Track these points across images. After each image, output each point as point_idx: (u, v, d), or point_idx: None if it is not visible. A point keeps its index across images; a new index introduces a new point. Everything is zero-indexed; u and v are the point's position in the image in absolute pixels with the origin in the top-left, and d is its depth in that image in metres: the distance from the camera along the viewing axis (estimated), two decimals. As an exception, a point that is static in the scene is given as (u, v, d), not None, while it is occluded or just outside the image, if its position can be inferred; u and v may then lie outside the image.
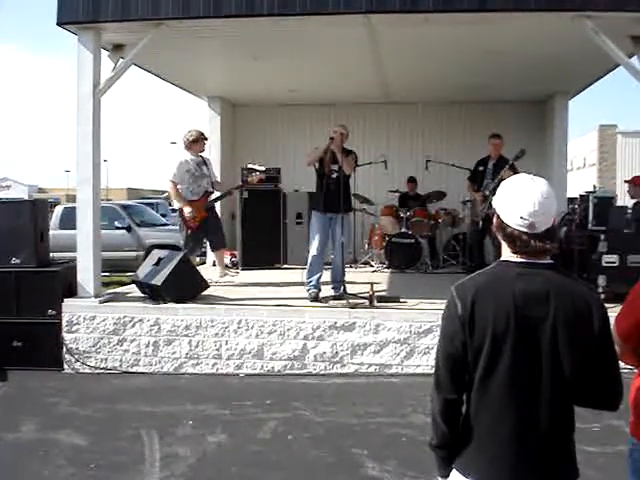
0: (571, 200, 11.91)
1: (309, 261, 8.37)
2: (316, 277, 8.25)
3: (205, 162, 9.46)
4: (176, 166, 9.08)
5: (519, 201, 2.23)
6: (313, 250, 8.31)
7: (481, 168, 10.44)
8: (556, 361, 2.18)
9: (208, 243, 10.14)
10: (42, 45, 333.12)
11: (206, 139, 9.54)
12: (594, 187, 13.76)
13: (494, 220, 2.34)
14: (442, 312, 2.35)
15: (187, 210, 8.98)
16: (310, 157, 8.37)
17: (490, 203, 2.40)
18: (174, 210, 16.63)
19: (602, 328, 2.21)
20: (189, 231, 9.16)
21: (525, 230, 2.22)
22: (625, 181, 9.81)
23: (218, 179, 10.04)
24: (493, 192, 2.32)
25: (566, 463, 2.26)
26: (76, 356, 7.70)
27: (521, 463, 2.21)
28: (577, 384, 2.21)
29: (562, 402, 2.22)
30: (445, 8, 7.09)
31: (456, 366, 2.28)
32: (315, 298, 8.07)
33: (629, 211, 8.64)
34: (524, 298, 2.20)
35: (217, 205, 10.01)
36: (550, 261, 2.28)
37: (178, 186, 9.06)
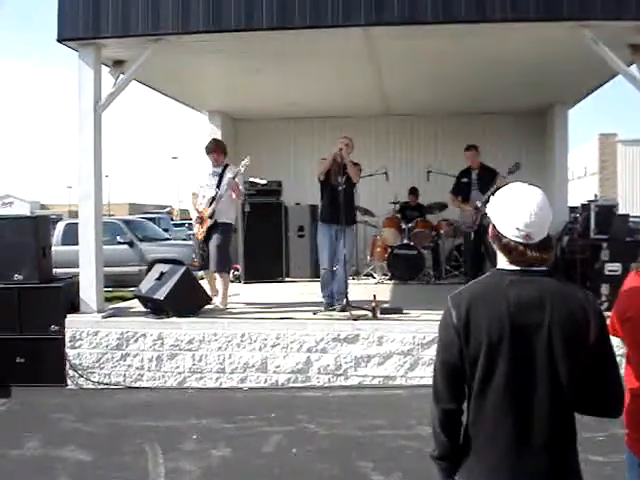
0: (572, 209, 11.93)
1: (321, 275, 8.55)
2: (330, 289, 8.40)
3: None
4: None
5: (515, 212, 2.23)
6: (324, 264, 8.45)
7: (465, 180, 10.43)
8: (552, 368, 2.16)
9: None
10: (43, 57, 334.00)
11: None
12: (595, 196, 13.78)
13: (490, 230, 2.34)
14: (439, 322, 2.33)
15: None
16: (320, 168, 8.34)
17: (484, 213, 2.43)
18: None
19: (599, 334, 2.19)
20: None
21: (521, 241, 2.22)
22: None
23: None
24: (486, 203, 2.29)
25: (567, 472, 2.22)
26: (79, 372, 7.68)
27: (520, 472, 2.18)
28: (575, 391, 2.19)
29: (560, 410, 2.19)
30: (444, 19, 7.10)
31: (453, 375, 2.27)
32: (332, 308, 8.14)
33: None
34: (518, 305, 2.19)
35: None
36: (544, 268, 2.26)
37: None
